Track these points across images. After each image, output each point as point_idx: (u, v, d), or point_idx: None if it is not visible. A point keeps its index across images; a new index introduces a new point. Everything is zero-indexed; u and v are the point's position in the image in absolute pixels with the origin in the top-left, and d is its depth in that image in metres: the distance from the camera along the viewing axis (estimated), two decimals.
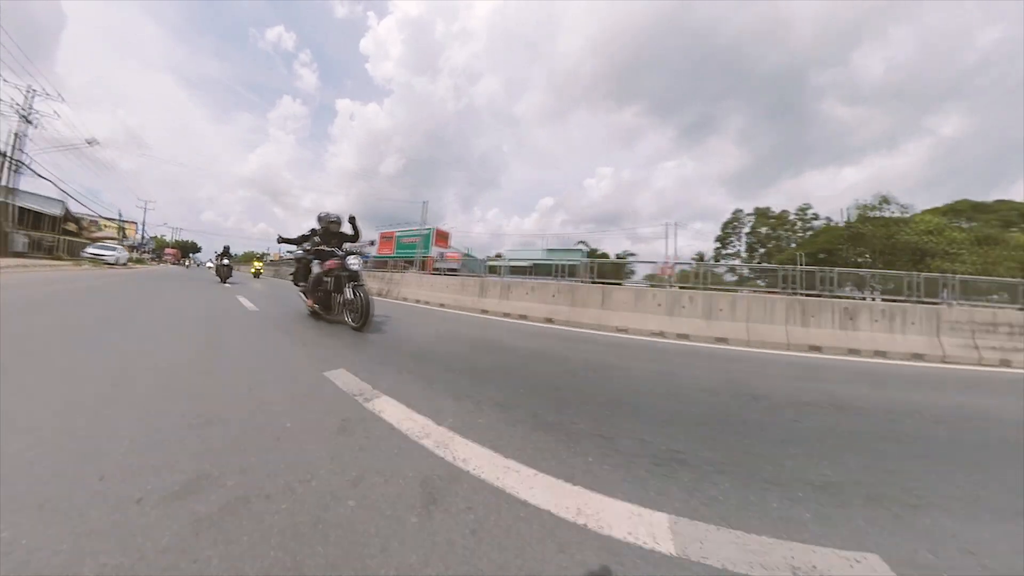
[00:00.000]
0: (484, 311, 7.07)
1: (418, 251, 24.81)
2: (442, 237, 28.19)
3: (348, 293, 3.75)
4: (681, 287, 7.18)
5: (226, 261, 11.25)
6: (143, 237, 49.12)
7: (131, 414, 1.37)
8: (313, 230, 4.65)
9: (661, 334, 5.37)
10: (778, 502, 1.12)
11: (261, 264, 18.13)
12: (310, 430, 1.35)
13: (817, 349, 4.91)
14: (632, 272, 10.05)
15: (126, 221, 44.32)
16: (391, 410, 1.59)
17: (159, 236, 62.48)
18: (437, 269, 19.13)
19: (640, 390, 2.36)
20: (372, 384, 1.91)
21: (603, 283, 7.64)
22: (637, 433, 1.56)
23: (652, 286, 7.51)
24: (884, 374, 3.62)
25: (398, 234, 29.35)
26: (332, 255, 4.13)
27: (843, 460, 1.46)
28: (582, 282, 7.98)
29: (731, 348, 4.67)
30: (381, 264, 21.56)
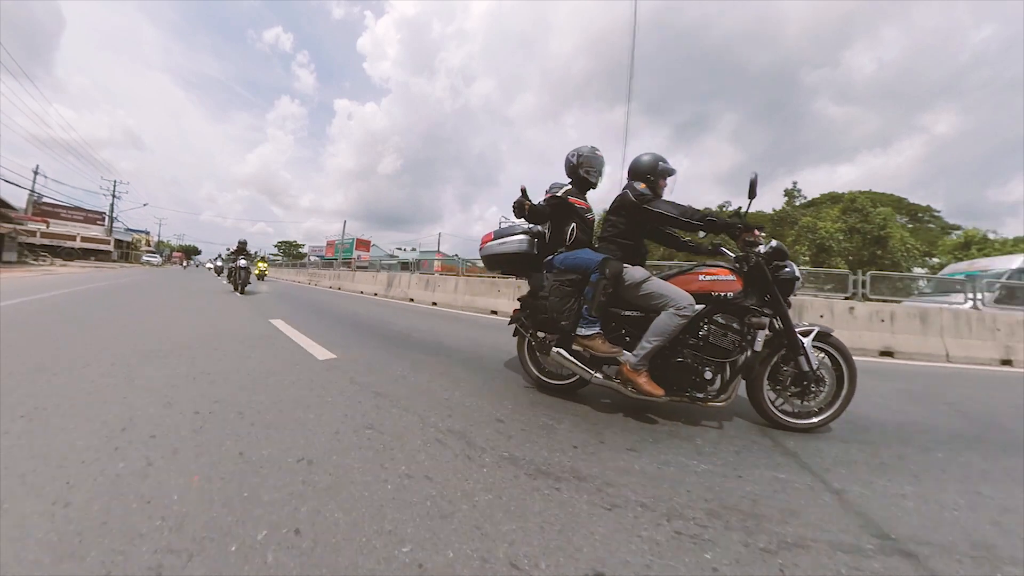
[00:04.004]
0: (374, 293, 11.79)
1: (342, 255, 40.10)
2: (362, 244, 43.78)
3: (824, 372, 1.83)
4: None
5: (243, 262, 8.93)
6: (158, 245, 65.29)
7: None
8: (576, 180, 2.35)
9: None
10: None
11: (266, 264, 18.17)
12: None
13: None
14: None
15: (145, 232, 60.36)
16: None
17: (167, 241, 78.60)
18: (359, 266, 33.78)
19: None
20: None
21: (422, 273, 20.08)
22: None
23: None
24: None
25: (336, 242, 44.95)
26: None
27: None
28: (437, 273, 12.29)
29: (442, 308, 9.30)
30: (327, 264, 36.31)
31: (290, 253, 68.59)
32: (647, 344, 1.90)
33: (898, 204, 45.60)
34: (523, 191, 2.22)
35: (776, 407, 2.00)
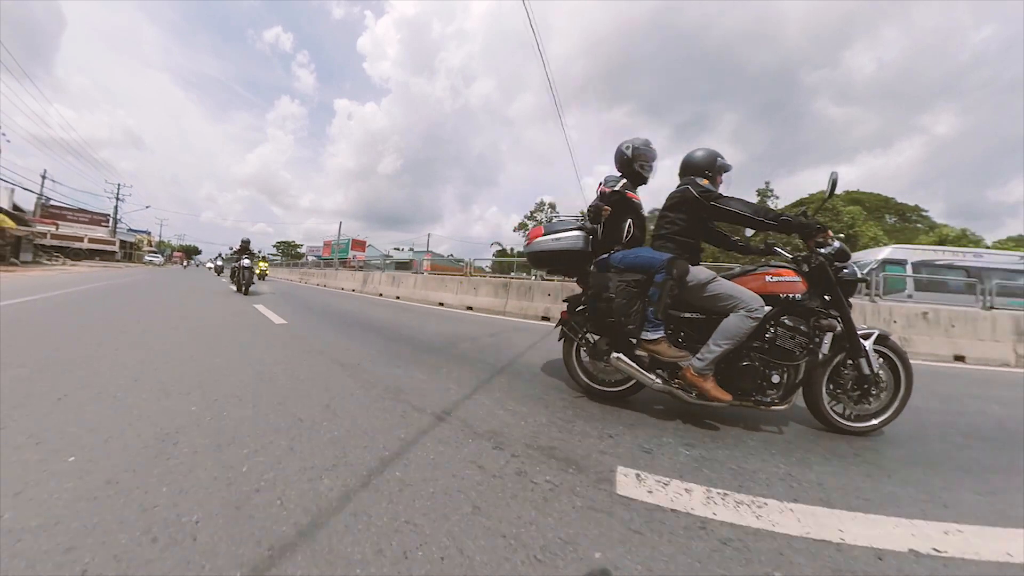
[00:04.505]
0: (352, 289, 13.99)
1: (339, 255, 42.38)
2: (358, 244, 46.07)
3: None
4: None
5: (246, 261, 8.78)
6: (159, 245, 67.53)
7: None
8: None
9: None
10: None
11: (267, 264, 17.65)
12: None
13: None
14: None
15: (146, 232, 62.48)
16: None
17: (167, 241, 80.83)
18: (352, 265, 34.51)
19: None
20: None
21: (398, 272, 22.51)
22: None
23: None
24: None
25: (332, 243, 47.37)
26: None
27: None
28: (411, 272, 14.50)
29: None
30: (321, 264, 38.42)
31: (288, 253, 70.60)
32: (716, 348, 1.86)
33: (886, 204, 46.63)
34: (602, 193, 2.20)
35: (833, 410, 2.01)
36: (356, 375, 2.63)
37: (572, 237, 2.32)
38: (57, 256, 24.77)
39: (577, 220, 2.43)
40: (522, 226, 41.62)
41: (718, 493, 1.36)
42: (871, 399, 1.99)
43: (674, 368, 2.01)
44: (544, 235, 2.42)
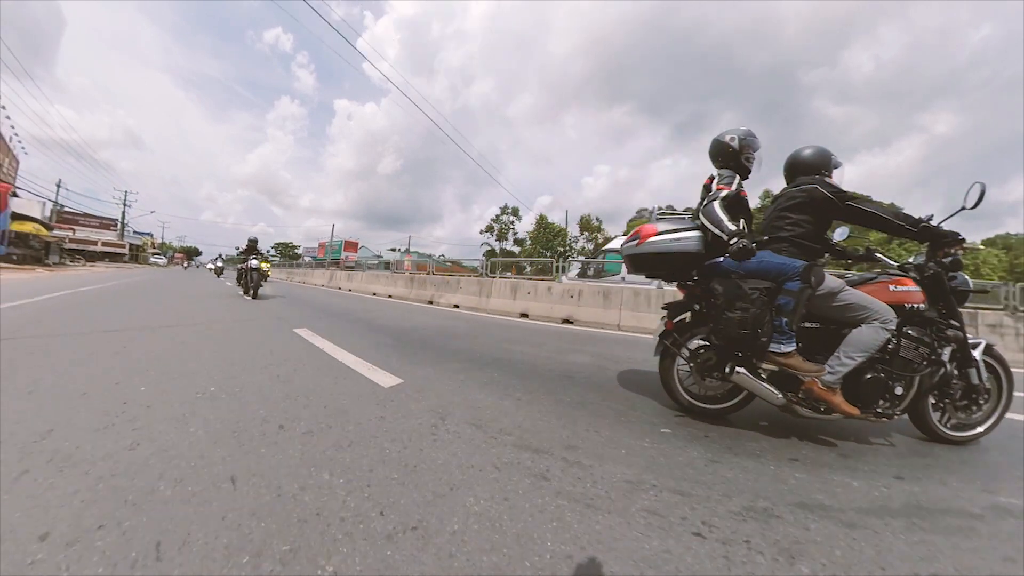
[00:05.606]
0: (321, 284, 18.12)
1: (332, 256, 45.89)
2: (350, 246, 49.53)
3: None
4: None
5: (254, 262, 8.45)
6: (161, 247, 71.83)
7: None
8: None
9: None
10: None
11: (269, 265, 18.52)
12: None
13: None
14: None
15: (149, 234, 66.63)
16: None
17: (169, 243, 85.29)
18: (348, 266, 37.03)
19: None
20: None
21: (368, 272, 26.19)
22: None
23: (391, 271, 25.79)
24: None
25: (327, 244, 51.12)
26: None
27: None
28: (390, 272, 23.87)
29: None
30: (319, 264, 41.53)
31: (286, 254, 74.68)
32: (848, 360, 1.83)
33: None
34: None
35: (937, 420, 2.03)
36: (265, 311, 6.34)
37: (692, 238, 2.10)
38: (78, 258, 28.83)
39: (686, 219, 2.23)
40: (489, 229, 42.72)
41: None
42: (976, 408, 2.01)
43: (790, 382, 1.95)
44: (660, 234, 2.16)
